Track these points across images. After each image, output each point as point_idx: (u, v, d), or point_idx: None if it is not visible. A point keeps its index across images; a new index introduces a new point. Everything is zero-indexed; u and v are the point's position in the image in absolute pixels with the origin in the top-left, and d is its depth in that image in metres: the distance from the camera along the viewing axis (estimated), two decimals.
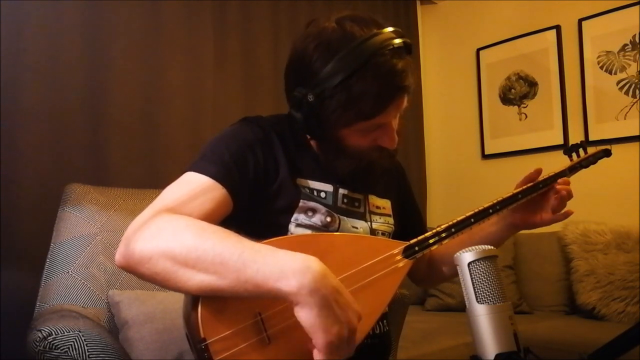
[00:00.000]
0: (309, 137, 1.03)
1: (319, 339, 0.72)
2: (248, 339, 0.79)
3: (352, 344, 0.75)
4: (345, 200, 1.05)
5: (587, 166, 1.23)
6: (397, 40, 0.91)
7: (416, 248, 0.97)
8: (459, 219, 1.03)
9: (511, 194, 1.10)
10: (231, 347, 0.77)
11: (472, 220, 1.04)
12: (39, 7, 1.84)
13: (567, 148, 1.22)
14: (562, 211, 1.13)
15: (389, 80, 0.90)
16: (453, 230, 1.01)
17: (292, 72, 0.98)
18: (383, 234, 1.10)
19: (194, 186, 0.89)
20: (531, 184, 1.12)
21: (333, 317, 0.72)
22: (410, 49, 0.95)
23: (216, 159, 0.93)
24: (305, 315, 0.72)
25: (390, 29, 0.93)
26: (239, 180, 0.92)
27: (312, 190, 1.01)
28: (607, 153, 1.25)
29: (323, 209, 1.01)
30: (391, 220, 1.13)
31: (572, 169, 1.20)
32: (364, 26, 0.92)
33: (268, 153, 0.98)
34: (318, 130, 0.96)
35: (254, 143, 0.97)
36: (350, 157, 0.99)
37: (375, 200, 1.11)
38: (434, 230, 1.00)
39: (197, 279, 0.75)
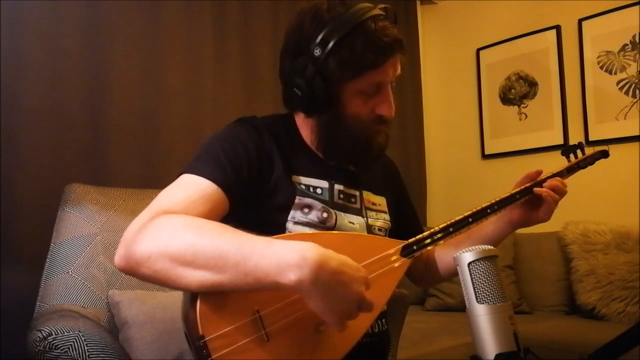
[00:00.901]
0: (308, 114, 1.03)
1: (328, 319, 0.76)
2: (247, 336, 0.79)
3: (367, 307, 0.78)
4: (341, 196, 1.06)
5: (584, 167, 1.23)
6: (383, 6, 0.99)
7: (414, 247, 0.97)
8: (457, 218, 1.04)
9: (509, 194, 1.11)
10: (230, 344, 0.77)
11: (470, 220, 1.04)
12: (39, 7, 1.84)
13: (564, 149, 1.23)
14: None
15: (387, 33, 0.96)
16: (451, 229, 1.02)
17: (291, 50, 1.00)
18: (380, 230, 1.10)
19: (190, 188, 0.89)
20: (529, 184, 1.13)
21: (338, 298, 0.75)
22: (395, 20, 1.02)
23: (211, 159, 0.93)
24: (311, 302, 0.75)
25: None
26: (234, 180, 0.93)
27: (307, 186, 1.02)
28: (605, 154, 1.25)
29: (319, 205, 1.01)
30: (387, 217, 1.14)
31: (570, 170, 1.20)
32: None
33: (263, 152, 0.99)
34: (322, 92, 0.97)
35: (249, 143, 0.98)
36: (351, 129, 1.01)
37: (371, 197, 1.12)
38: (432, 230, 1.00)
39: (197, 276, 0.76)
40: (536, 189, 1.11)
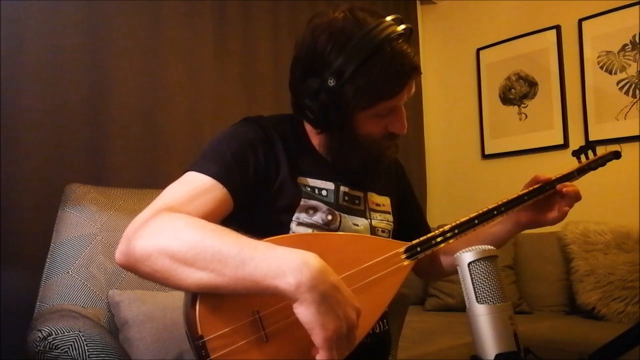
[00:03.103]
0: (320, 131, 1.03)
1: (316, 335, 0.72)
2: (246, 336, 0.79)
3: (351, 340, 0.76)
4: (346, 198, 1.06)
5: (595, 168, 1.20)
6: (403, 26, 0.96)
7: (418, 249, 0.97)
8: (462, 220, 1.03)
9: (517, 195, 1.09)
10: (229, 344, 0.77)
11: (476, 221, 1.04)
12: (39, 7, 1.84)
13: (575, 150, 1.19)
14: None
15: (404, 61, 0.94)
16: (456, 231, 1.01)
17: (302, 65, 0.99)
18: (383, 231, 1.10)
19: (195, 186, 0.89)
20: (538, 185, 1.11)
21: (331, 314, 0.72)
22: (411, 35, 1.00)
23: (217, 158, 0.93)
24: (303, 312, 0.72)
25: (392, 16, 0.98)
26: (239, 179, 0.93)
27: (313, 188, 1.02)
28: (617, 155, 1.22)
29: (324, 207, 1.01)
30: (390, 217, 1.14)
31: (581, 171, 1.18)
32: (372, 14, 0.96)
33: (269, 152, 0.99)
34: (335, 118, 0.96)
35: (255, 142, 0.98)
36: (363, 147, 1.01)
37: (375, 198, 1.12)
38: (436, 231, 1.00)
39: (196, 277, 0.75)
40: (566, 189, 1.09)
